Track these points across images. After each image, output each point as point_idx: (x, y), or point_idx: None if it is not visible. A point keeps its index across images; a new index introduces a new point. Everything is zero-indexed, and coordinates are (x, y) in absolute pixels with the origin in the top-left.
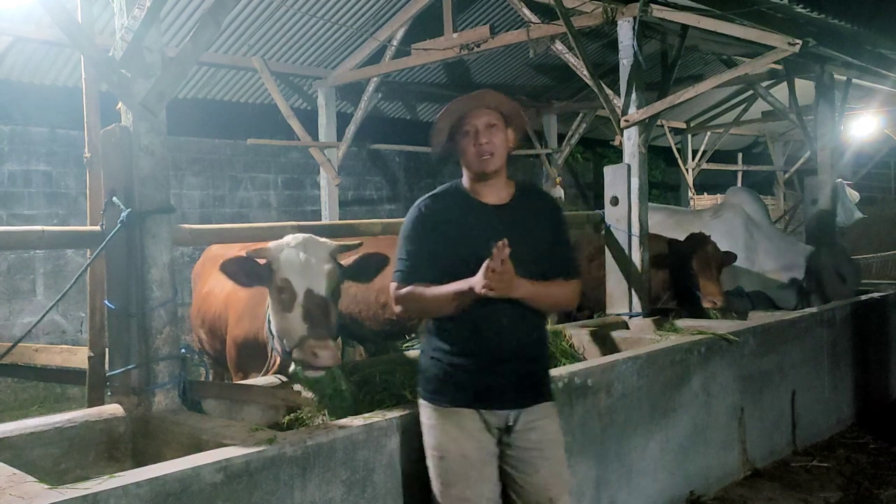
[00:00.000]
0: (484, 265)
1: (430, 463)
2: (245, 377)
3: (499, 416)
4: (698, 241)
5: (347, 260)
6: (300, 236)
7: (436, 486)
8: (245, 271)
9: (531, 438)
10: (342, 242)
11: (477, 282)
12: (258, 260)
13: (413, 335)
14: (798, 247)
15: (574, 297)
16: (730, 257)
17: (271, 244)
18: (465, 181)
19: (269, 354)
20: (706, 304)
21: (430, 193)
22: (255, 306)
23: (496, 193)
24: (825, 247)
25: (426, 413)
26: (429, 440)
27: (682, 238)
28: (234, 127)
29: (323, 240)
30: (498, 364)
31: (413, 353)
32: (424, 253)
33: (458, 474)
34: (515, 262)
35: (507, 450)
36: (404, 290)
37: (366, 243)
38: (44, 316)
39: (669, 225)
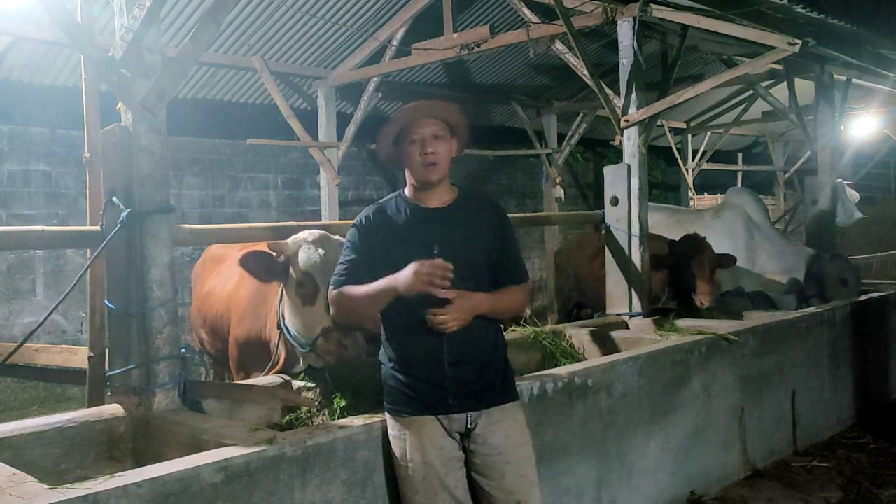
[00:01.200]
0: (412, 265)
1: (397, 472)
2: (247, 376)
3: (457, 419)
4: (691, 242)
5: None
6: (316, 232)
7: (405, 495)
8: (264, 266)
9: (492, 443)
10: None
11: (402, 281)
12: (276, 255)
13: None
14: (798, 249)
15: (526, 301)
16: (729, 259)
17: (288, 240)
18: (408, 189)
19: (274, 353)
20: (696, 303)
21: (373, 204)
22: (257, 306)
23: (438, 198)
24: (827, 254)
25: (390, 424)
26: (395, 450)
27: None
28: (234, 127)
29: (336, 237)
30: (449, 369)
31: None
32: (363, 260)
33: (421, 483)
34: (461, 264)
35: (472, 457)
36: (335, 292)
37: None
38: (47, 317)
39: (670, 225)
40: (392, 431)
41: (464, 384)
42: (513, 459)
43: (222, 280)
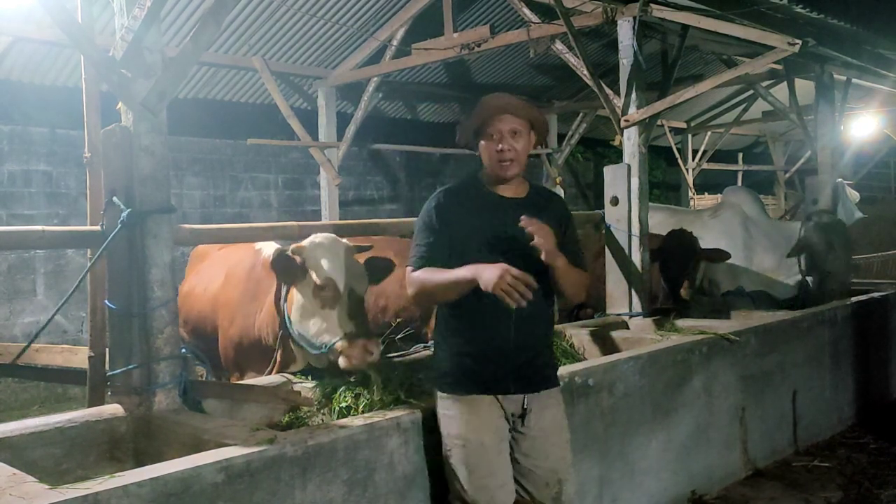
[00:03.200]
0: (500, 266)
1: (450, 452)
2: (242, 377)
3: (515, 401)
4: (675, 237)
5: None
6: (329, 236)
7: (458, 474)
8: (286, 268)
9: (541, 426)
10: (356, 244)
11: (486, 278)
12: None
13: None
14: (790, 227)
15: (584, 288)
16: (720, 254)
17: (304, 242)
18: (484, 175)
19: (275, 352)
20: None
21: (449, 185)
22: (245, 305)
23: (513, 189)
24: (816, 214)
25: (445, 404)
26: (451, 430)
27: None
28: (234, 127)
29: (343, 240)
30: (512, 351)
31: (409, 357)
32: (441, 241)
33: (477, 462)
34: (533, 252)
35: (521, 438)
36: (417, 273)
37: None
38: (50, 319)
39: (671, 225)
40: (448, 412)
41: (525, 368)
42: (559, 442)
43: (203, 280)
